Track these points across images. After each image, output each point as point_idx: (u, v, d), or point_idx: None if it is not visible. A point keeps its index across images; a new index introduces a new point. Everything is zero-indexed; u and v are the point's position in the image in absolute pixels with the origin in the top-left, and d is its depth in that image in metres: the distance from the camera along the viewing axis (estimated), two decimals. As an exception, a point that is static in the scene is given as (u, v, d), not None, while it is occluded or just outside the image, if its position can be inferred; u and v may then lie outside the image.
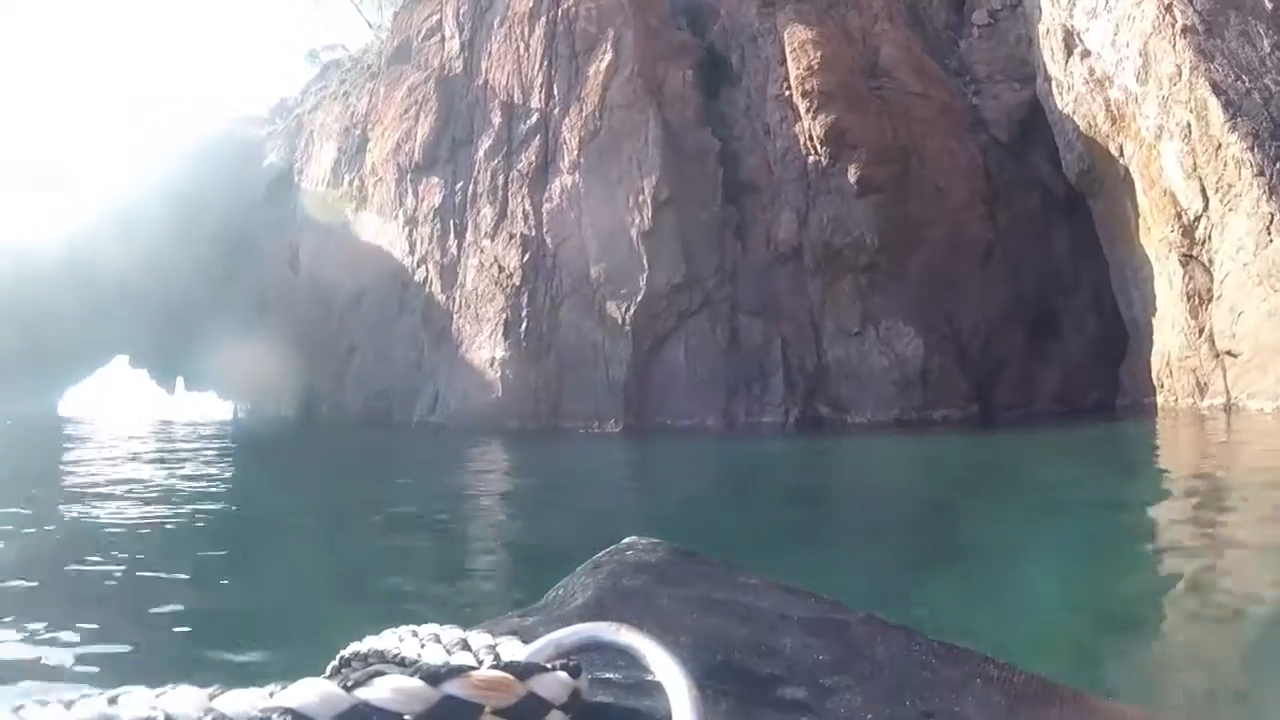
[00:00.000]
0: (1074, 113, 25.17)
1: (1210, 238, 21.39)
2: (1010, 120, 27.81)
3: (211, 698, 0.57)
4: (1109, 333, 25.67)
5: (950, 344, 25.31)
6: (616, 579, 1.09)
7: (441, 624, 0.84)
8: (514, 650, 0.76)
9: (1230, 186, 20.64)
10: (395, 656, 0.78)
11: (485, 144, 30.14)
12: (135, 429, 31.78)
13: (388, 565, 8.33)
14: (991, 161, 27.05)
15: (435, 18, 34.55)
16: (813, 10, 27.90)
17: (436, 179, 31.65)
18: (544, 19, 29.94)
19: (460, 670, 0.62)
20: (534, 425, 26.46)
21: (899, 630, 0.99)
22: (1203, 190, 21.27)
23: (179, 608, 6.63)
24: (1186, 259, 22.01)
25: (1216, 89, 21.01)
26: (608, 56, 28.10)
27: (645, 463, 19.79)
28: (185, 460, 19.40)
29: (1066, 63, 25.34)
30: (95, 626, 5.94)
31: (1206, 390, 21.46)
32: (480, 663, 0.70)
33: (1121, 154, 23.73)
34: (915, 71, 27.64)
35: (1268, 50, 21.05)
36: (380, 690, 0.58)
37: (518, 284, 27.70)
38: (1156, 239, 22.79)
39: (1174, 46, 21.84)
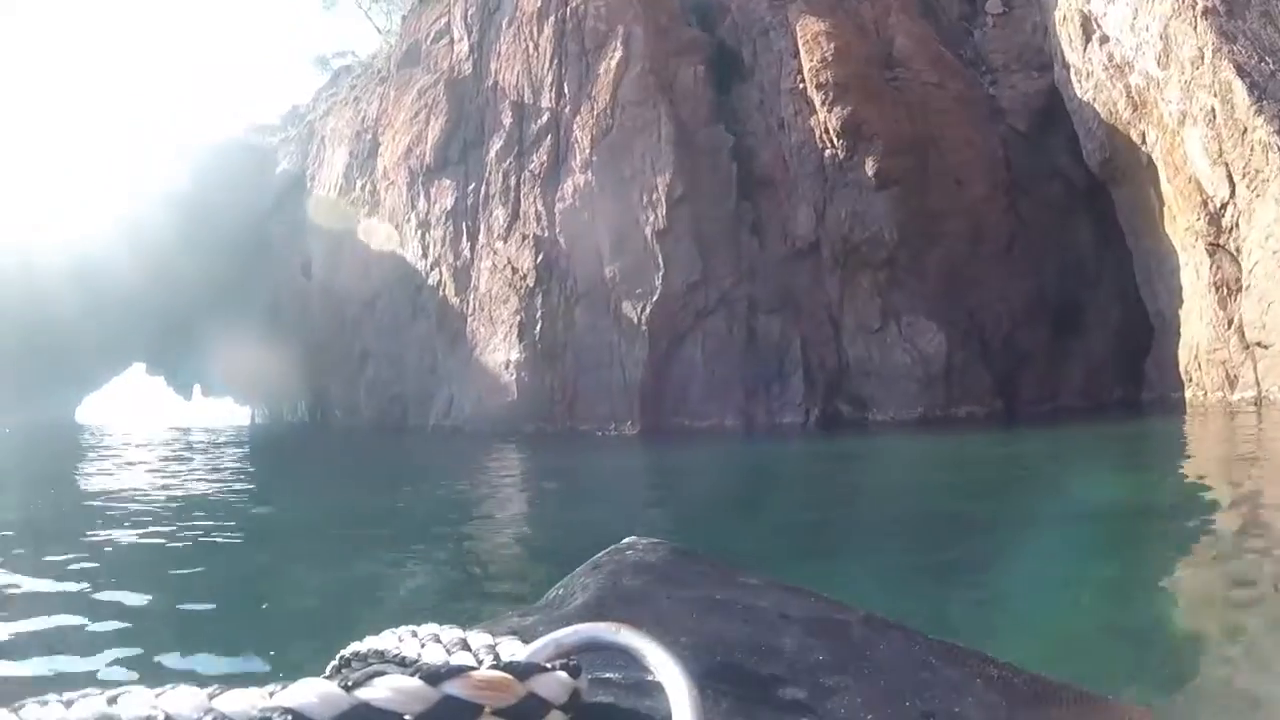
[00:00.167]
0: (1094, 100, 24.42)
1: (1238, 225, 20.75)
2: (1028, 109, 26.99)
3: (211, 697, 0.55)
4: (1133, 326, 24.86)
5: (973, 339, 24.50)
6: (616, 579, 1.06)
7: (441, 624, 0.80)
8: (514, 650, 0.73)
9: (1258, 172, 19.97)
10: (395, 656, 0.74)
11: (496, 145, 29.53)
12: (153, 435, 31.40)
13: (401, 574, 8.09)
14: (1011, 152, 26.15)
15: (444, 20, 34.06)
16: (824, 2, 27.13)
17: (448, 181, 31.12)
18: (553, 18, 29.28)
19: (460, 670, 0.60)
20: (550, 428, 25.95)
21: (899, 630, 0.96)
22: (1229, 176, 20.62)
23: (200, 607, 6.64)
24: (1213, 248, 21.37)
25: (1240, 71, 20.35)
26: (618, 54, 27.41)
27: (664, 465, 19.11)
28: (203, 468, 19.13)
29: (1085, 49, 24.58)
30: (132, 626, 5.88)
31: (1236, 383, 20.80)
32: (480, 663, 0.68)
33: (1144, 141, 23.00)
34: (931, 62, 26.82)
35: (1291, 30, 20.24)
36: (380, 690, 0.56)
37: (531, 285, 27.08)
38: (1182, 228, 22.14)
39: (1195, 29, 21.17)
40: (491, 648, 0.73)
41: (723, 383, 24.75)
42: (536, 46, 29.55)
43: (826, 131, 25.00)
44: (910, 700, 0.82)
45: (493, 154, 29.56)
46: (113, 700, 0.55)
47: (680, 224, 25.43)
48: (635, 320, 25.35)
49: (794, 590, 1.06)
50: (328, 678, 0.59)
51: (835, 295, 25.19)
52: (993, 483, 12.80)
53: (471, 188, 30.23)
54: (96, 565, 7.81)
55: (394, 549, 9.14)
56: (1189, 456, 15.09)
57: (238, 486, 15.96)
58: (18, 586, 7.00)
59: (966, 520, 9.52)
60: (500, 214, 28.70)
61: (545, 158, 28.10)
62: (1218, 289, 21.22)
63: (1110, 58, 23.73)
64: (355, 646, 0.81)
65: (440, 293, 30.62)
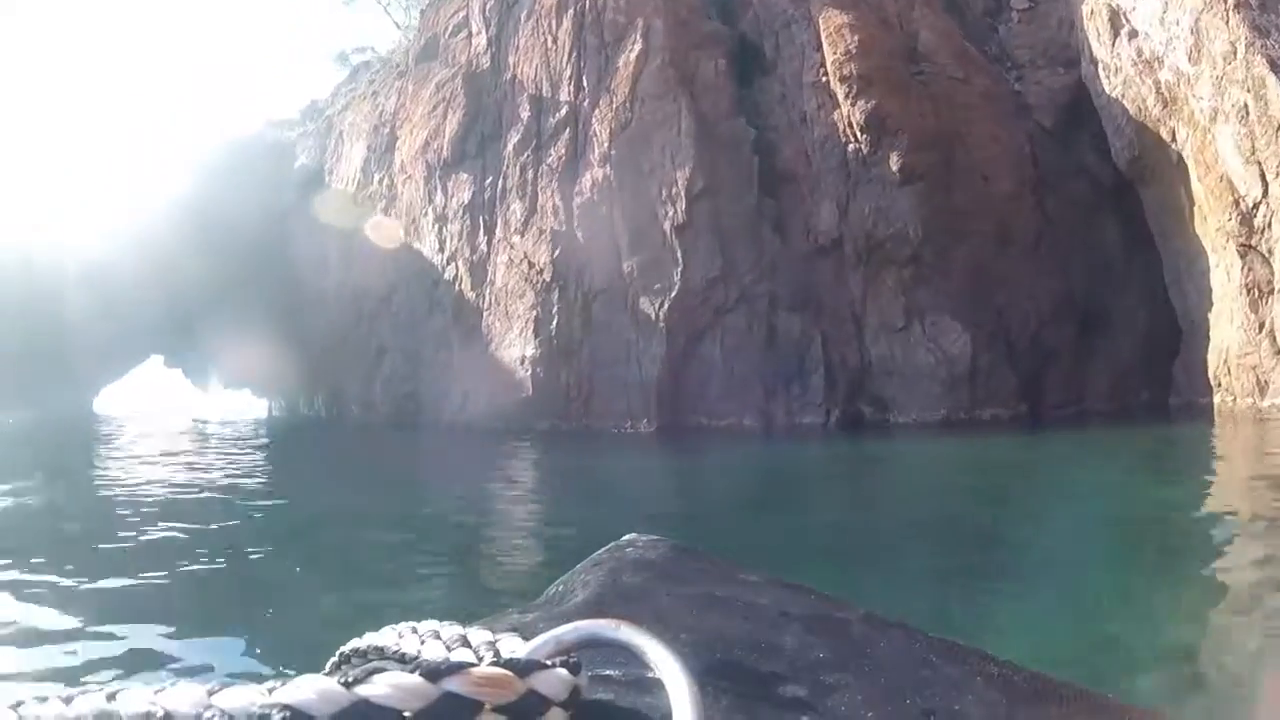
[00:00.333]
0: (1122, 96, 23.51)
1: (1270, 225, 19.97)
2: (1055, 106, 26.03)
3: (210, 694, 0.55)
4: (1161, 328, 23.89)
5: (998, 340, 23.54)
6: (616, 576, 1.06)
7: (441, 620, 0.81)
8: (514, 647, 0.73)
9: (1292, 170, 19.06)
10: (395, 653, 0.76)
11: (514, 138, 28.78)
12: (168, 427, 31.30)
13: (406, 571, 8.02)
14: (1037, 149, 25.20)
15: (462, 14, 33.35)
16: (847, -5, 26.17)
17: (465, 175, 30.40)
18: (572, 10, 28.51)
19: (460, 667, 0.60)
20: (565, 425, 25.23)
21: (899, 628, 0.96)
22: (1262, 175, 19.83)
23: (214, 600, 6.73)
24: (1245, 249, 20.57)
25: (1274, 66, 19.58)
26: (638, 46, 26.59)
27: (681, 465, 18.43)
28: (218, 461, 18.81)
29: (1113, 44, 23.67)
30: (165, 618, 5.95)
31: (1267, 389, 20.02)
32: (480, 659, 0.69)
33: (1174, 139, 22.12)
34: (956, 56, 25.91)
35: (1326, 23, 19.48)
36: (380, 687, 0.56)
37: (548, 280, 26.31)
38: (1213, 228, 21.32)
39: (1227, 23, 20.40)
40: (492, 644, 0.72)
41: (742, 381, 23.86)
42: (555, 39, 28.78)
43: (850, 126, 24.09)
44: (910, 698, 0.80)
45: (510, 148, 28.80)
46: (112, 697, 0.55)
47: (700, 219, 24.58)
48: (653, 317, 24.53)
49: (794, 588, 1.05)
50: (327, 674, 0.58)
51: (858, 293, 24.26)
52: (1022, 489, 12.23)
53: (489, 182, 29.52)
54: (98, 561, 7.76)
55: (399, 545, 8.99)
56: (1220, 463, 14.46)
57: (251, 481, 15.55)
58: (18, 582, 6.91)
59: (995, 530, 9.17)
60: (517, 208, 27.96)
61: (563, 151, 27.31)
62: (1249, 291, 20.42)
63: (1139, 53, 22.83)
64: (355, 643, 0.80)
65: (456, 287, 29.95)
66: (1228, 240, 20.73)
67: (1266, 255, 20.04)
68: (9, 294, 34.88)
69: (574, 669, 0.66)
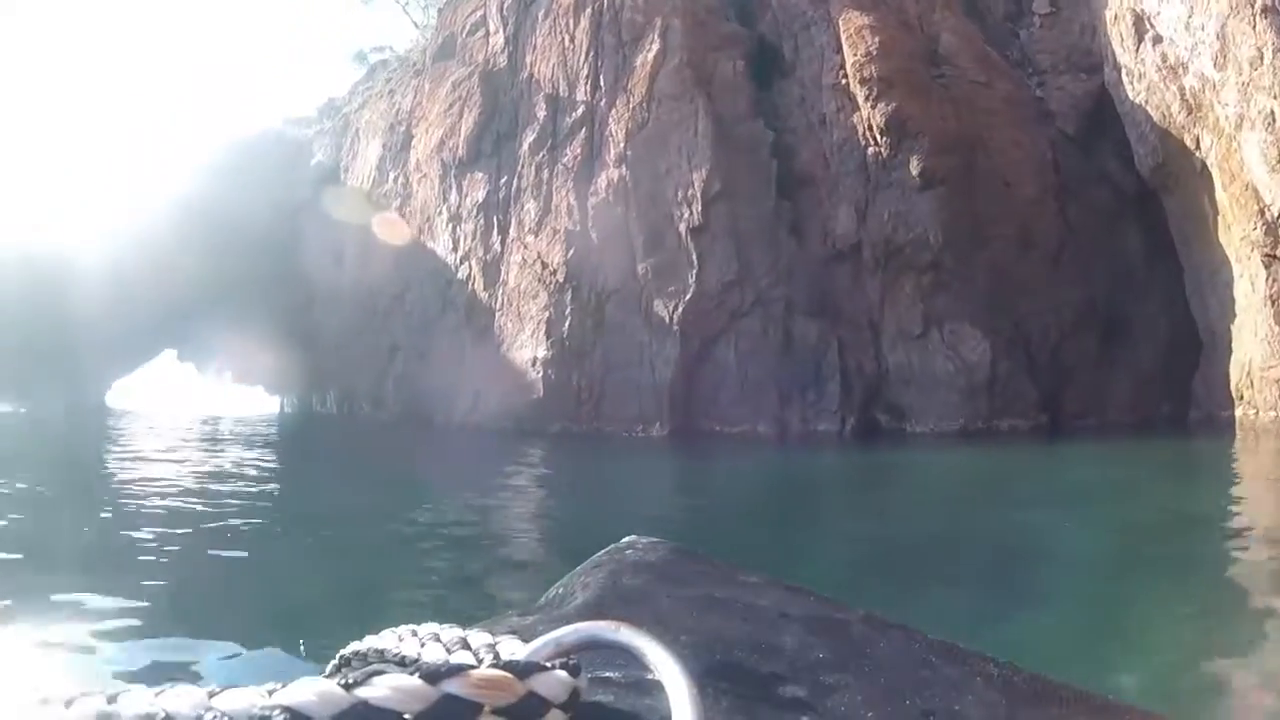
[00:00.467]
0: (1146, 103, 22.77)
1: (1296, 236, 19.20)
2: (1077, 112, 25.25)
3: (211, 696, 0.55)
4: (1182, 340, 23.07)
5: (1018, 349, 22.75)
6: (616, 578, 1.06)
7: (441, 623, 0.81)
8: (514, 649, 0.73)
9: (1320, 181, 18.44)
10: (395, 655, 0.75)
11: (529, 138, 28.20)
12: (179, 422, 30.82)
13: (408, 573, 7.90)
14: (1059, 155, 24.42)
15: (479, 13, 32.81)
16: (868, -3, 25.48)
17: (480, 174, 29.87)
18: (589, 10, 27.92)
19: (460, 669, 0.59)
20: (575, 428, 24.58)
21: (899, 629, 0.96)
22: (1289, 184, 19.00)
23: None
24: (1270, 259, 19.84)
25: (1304, 72, 18.78)
26: (655, 46, 25.95)
27: (695, 472, 17.83)
28: (227, 458, 18.52)
29: (1137, 49, 22.91)
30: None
31: (1291, 404, 19.25)
32: (480, 661, 0.69)
33: (1198, 146, 21.35)
34: (977, 60, 25.15)
35: (1356, 30, 18.79)
36: (379, 689, 0.56)
37: (561, 281, 25.69)
38: (1237, 238, 20.52)
39: (1254, 28, 19.61)
40: (491, 646, 0.72)
41: (756, 387, 23.15)
42: (572, 39, 28.17)
43: (870, 128, 23.35)
44: (910, 698, 0.80)
45: (525, 147, 28.24)
46: (112, 699, 0.55)
47: (716, 221, 23.88)
48: (667, 319, 23.85)
49: (794, 589, 1.05)
50: (327, 676, 0.59)
51: (876, 299, 23.50)
52: (1050, 503, 11.46)
53: (503, 181, 28.98)
54: (98, 561, 7.63)
55: (404, 547, 8.87)
56: (1250, 478, 13.78)
57: (260, 479, 15.13)
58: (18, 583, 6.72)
59: (1025, 546, 8.64)
60: (531, 208, 27.38)
61: (579, 151, 26.69)
62: (1274, 303, 19.70)
63: (1164, 59, 22.04)
64: (355, 645, 0.79)
65: (469, 287, 29.44)
66: (1252, 250, 20.03)
67: (1292, 266, 19.20)
68: (20, 287, 34.45)
69: (573, 671, 0.65)
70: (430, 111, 32.57)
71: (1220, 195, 20.77)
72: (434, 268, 30.81)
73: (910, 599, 6.11)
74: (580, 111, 27.15)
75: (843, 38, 24.43)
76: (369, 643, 0.79)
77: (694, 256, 23.81)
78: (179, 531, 9.18)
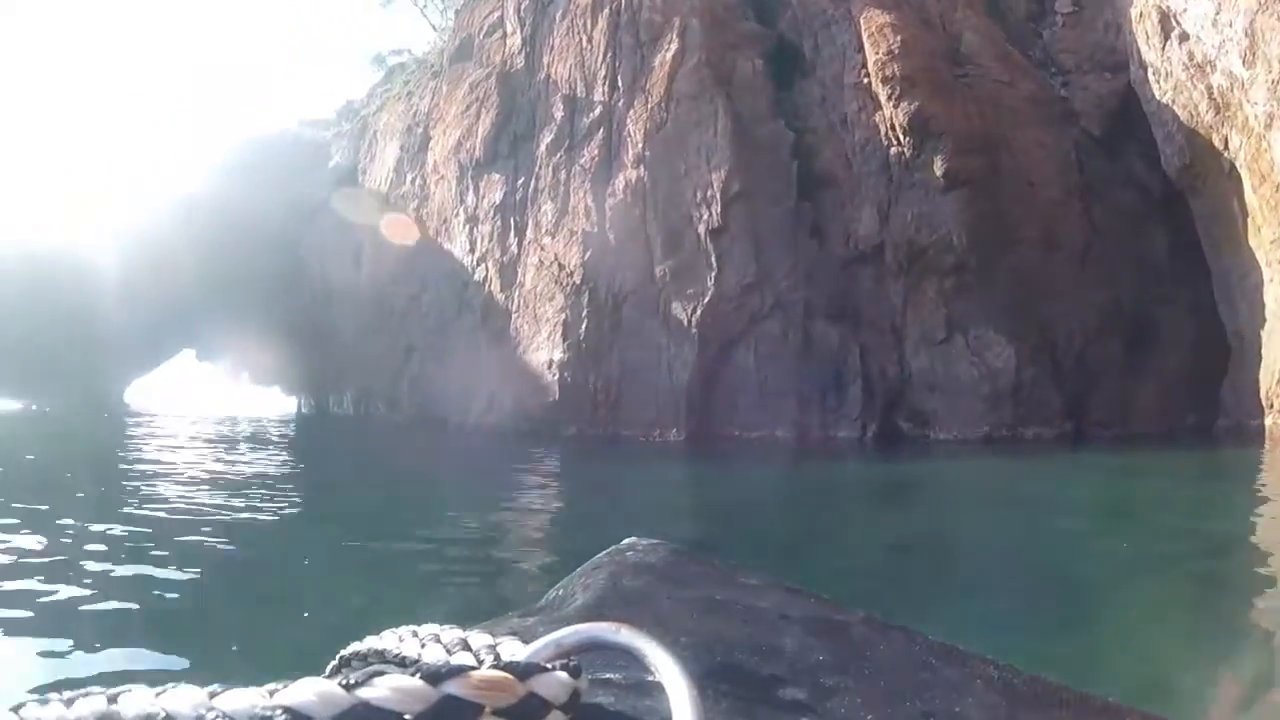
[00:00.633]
0: (1173, 102, 21.82)
1: (1329, 239, 18.33)
2: (1102, 112, 24.28)
3: (212, 696, 0.54)
4: (1209, 346, 22.00)
5: (1044, 355, 21.79)
6: (617, 579, 1.05)
7: (442, 624, 0.80)
8: (514, 650, 0.72)
9: (1352, 182, 17.63)
10: (395, 656, 0.74)
11: (547, 139, 27.52)
12: (197, 423, 30.11)
13: (412, 577, 7.59)
14: (1084, 156, 23.45)
15: (497, 14, 32.21)
16: (889, -5, 24.65)
17: (497, 175, 29.24)
18: (607, 10, 27.19)
19: (460, 670, 0.59)
20: (591, 431, 23.87)
21: (899, 631, 0.95)
22: (1321, 186, 18.17)
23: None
24: (1302, 263, 18.88)
25: (1336, 70, 17.92)
26: (674, 46, 25.18)
27: (714, 479, 16.93)
28: (242, 458, 18.04)
29: (1163, 47, 21.97)
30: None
31: (1323, 413, 18.40)
32: (480, 663, 0.67)
33: (1226, 146, 20.39)
34: (1000, 59, 24.25)
35: (1390, 24, 18.04)
36: (380, 690, 0.55)
37: (578, 283, 24.94)
38: (1267, 240, 19.64)
39: (1284, 24, 18.65)
40: (492, 648, 0.71)
41: (775, 391, 22.30)
42: (590, 39, 27.46)
43: (892, 128, 22.46)
44: (910, 700, 0.80)
45: (543, 148, 27.55)
46: (113, 699, 0.54)
47: (736, 223, 23.05)
48: (685, 322, 23.04)
49: (794, 591, 1.04)
50: (327, 677, 0.58)
51: (898, 302, 22.57)
52: (1094, 519, 10.71)
53: (520, 182, 28.33)
54: (99, 561, 7.35)
55: (404, 550, 8.63)
56: None
57: (272, 481, 14.62)
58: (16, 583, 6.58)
59: (1072, 564, 7.97)
60: (549, 209, 26.67)
61: (596, 152, 25.94)
62: (1305, 307, 18.72)
63: (1190, 56, 21.09)
64: (355, 646, 0.79)
65: (486, 289, 28.83)
66: (1283, 253, 19.04)
67: (1325, 270, 18.36)
68: (38, 286, 34.28)
69: (574, 672, 0.64)
70: (447, 113, 32.03)
71: (1250, 197, 19.87)
72: (450, 269, 30.24)
73: (949, 616, 5.64)
74: (598, 112, 26.43)
75: (864, 36, 23.58)
76: (369, 643, 0.77)
77: (713, 258, 23.01)
78: (180, 532, 8.86)
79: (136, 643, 5.32)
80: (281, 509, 11.31)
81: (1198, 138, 21.11)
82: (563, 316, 24.97)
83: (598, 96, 26.64)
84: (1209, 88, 20.59)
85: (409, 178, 33.45)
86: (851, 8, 24.54)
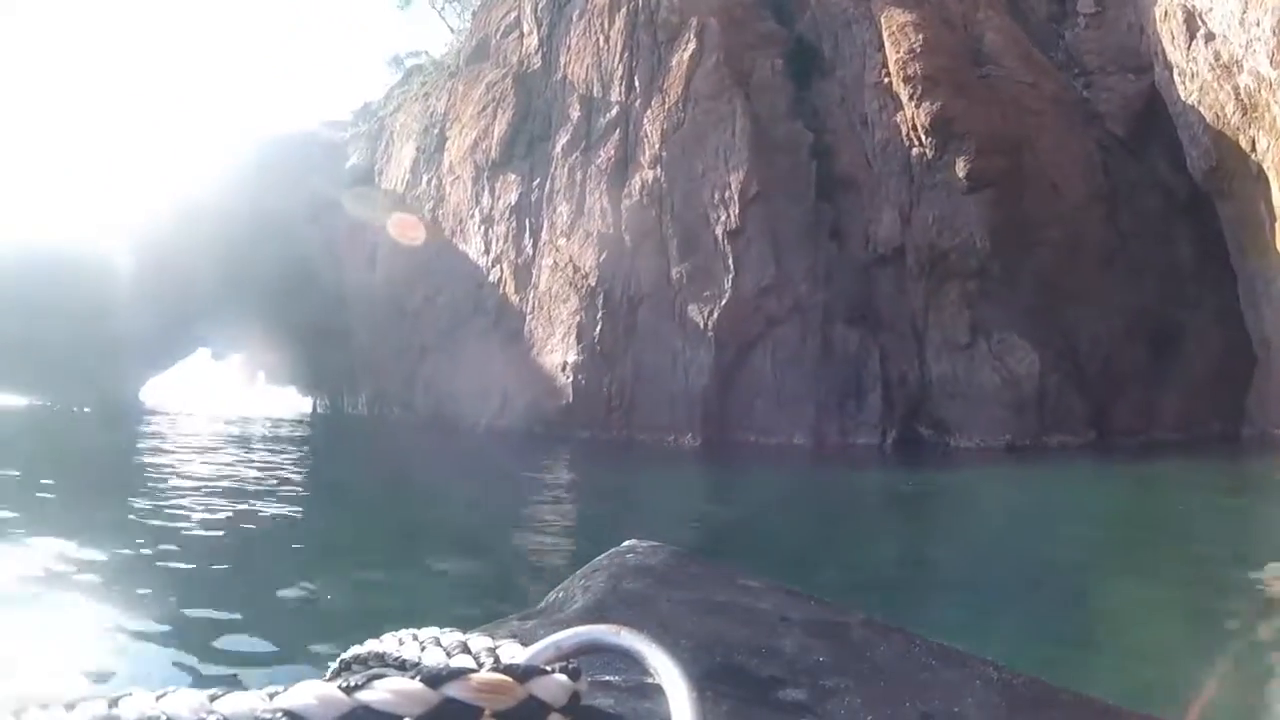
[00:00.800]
0: (1199, 103, 21.06)
1: (1357, 244, 17.64)
2: (1127, 113, 23.48)
3: (212, 699, 0.54)
4: (1235, 352, 21.14)
5: (1067, 361, 20.96)
6: (616, 581, 1.04)
7: (442, 627, 0.79)
8: (514, 653, 0.71)
9: (1382, 184, 16.88)
10: (395, 659, 0.73)
11: (563, 139, 26.87)
12: (212, 423, 29.42)
13: (417, 582, 7.35)
14: (1108, 158, 22.57)
15: (513, 14, 31.66)
16: (910, -5, 23.85)
17: (513, 176, 28.61)
18: (624, 9, 26.56)
19: (460, 673, 0.59)
20: (605, 435, 23.15)
21: (898, 632, 0.94)
22: (1350, 189, 17.41)
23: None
24: (1331, 268, 18.19)
25: (1364, 70, 17.14)
26: (691, 46, 24.52)
27: (734, 486, 16.05)
28: (254, 460, 17.19)
29: (1188, 47, 21.23)
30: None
31: (1350, 422, 17.71)
32: (480, 665, 0.66)
33: (1254, 148, 19.60)
34: (1022, 60, 23.45)
35: None
36: (380, 693, 0.55)
37: (593, 285, 24.27)
38: (1295, 245, 18.86)
39: (1312, 23, 17.88)
40: (492, 650, 0.71)
41: (793, 397, 21.51)
42: (607, 39, 26.80)
43: (914, 128, 21.66)
44: (909, 702, 0.79)
45: (559, 149, 26.91)
46: (114, 703, 0.54)
47: (754, 224, 22.29)
48: (701, 325, 22.27)
49: (793, 593, 1.04)
50: (328, 680, 0.58)
51: (919, 306, 21.77)
52: (1129, 533, 10.02)
53: (536, 183, 27.67)
54: (101, 561, 7.17)
55: (409, 554, 8.31)
56: None
57: (284, 483, 14.08)
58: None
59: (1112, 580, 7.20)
60: (564, 210, 26.00)
61: (613, 153, 25.26)
62: (1333, 315, 17.96)
63: (1216, 57, 20.33)
64: (356, 649, 0.78)
65: (500, 290, 28.17)
66: (1312, 259, 18.30)
67: (1355, 276, 17.60)
68: (56, 283, 33.80)
69: (574, 675, 0.64)
70: (464, 114, 31.46)
71: (1277, 199, 19.06)
72: (465, 270, 29.63)
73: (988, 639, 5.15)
74: (614, 112, 25.77)
75: (885, 35, 22.82)
76: (369, 646, 0.76)
77: (730, 260, 22.27)
78: (184, 536, 8.65)
79: (138, 644, 5.20)
80: (290, 515, 10.79)
81: (1224, 139, 20.31)
82: (577, 319, 24.31)
83: (614, 97, 25.98)
84: (1236, 88, 19.80)
85: (425, 179, 32.89)
86: (872, 7, 23.80)
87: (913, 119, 21.63)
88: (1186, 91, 21.31)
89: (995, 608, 6.45)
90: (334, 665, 0.79)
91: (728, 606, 0.98)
